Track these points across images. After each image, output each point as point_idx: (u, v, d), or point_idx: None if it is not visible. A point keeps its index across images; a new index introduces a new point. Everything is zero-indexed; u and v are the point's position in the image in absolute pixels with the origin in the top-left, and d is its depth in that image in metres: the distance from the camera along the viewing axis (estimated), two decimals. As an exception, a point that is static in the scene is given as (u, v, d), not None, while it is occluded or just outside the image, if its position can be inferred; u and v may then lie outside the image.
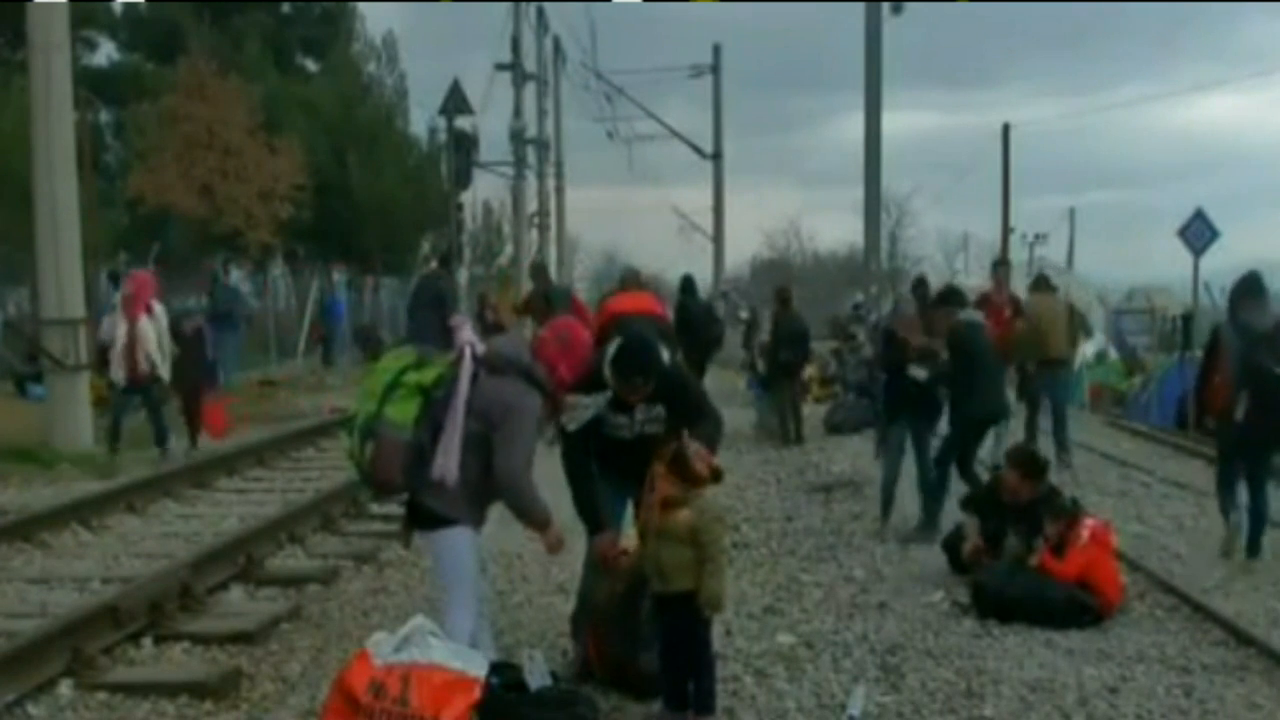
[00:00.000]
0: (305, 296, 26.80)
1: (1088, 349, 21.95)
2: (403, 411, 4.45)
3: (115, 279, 19.26)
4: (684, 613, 4.64)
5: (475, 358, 4.52)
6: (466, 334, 4.63)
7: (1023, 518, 6.90)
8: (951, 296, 9.22)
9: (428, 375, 4.53)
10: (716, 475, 4.80)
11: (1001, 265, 12.59)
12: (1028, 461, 7.20)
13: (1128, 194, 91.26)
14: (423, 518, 4.59)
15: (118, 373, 11.30)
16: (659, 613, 4.87)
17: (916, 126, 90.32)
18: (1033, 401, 11.67)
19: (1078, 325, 12.28)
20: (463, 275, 32.59)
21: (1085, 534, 6.53)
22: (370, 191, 31.87)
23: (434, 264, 15.17)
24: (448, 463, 4.37)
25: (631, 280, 9.78)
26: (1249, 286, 7.62)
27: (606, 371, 4.95)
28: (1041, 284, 12.38)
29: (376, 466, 4.51)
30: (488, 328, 12.60)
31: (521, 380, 4.50)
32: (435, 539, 4.64)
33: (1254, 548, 7.62)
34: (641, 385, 4.98)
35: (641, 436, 5.09)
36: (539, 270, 13.46)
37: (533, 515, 4.64)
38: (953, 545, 7.31)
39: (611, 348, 5.02)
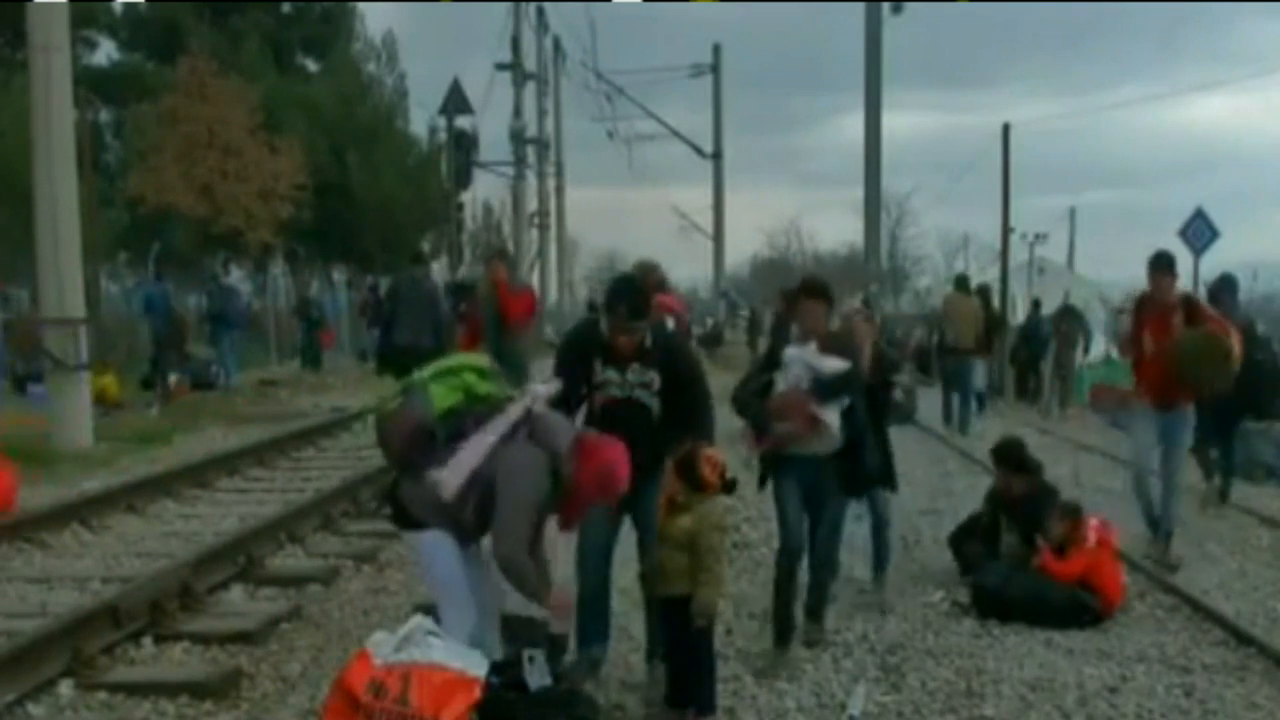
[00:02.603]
0: (305, 296, 26.64)
1: (1093, 351, 22.09)
2: (442, 396, 4.46)
3: (157, 275, 19.58)
4: (685, 615, 4.65)
5: (530, 412, 4.45)
6: (540, 388, 4.57)
7: (1019, 514, 6.91)
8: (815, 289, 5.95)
9: (482, 386, 4.52)
10: (729, 486, 4.79)
11: (1163, 258, 7.80)
12: (1004, 453, 7.25)
13: (1128, 194, 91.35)
14: (397, 510, 4.58)
15: None
16: (663, 613, 4.87)
17: (916, 126, 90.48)
18: (947, 388, 14.86)
19: (994, 321, 15.66)
20: (463, 275, 32.60)
21: (1092, 535, 6.54)
22: (370, 191, 31.90)
23: (422, 262, 14.91)
24: (451, 479, 4.31)
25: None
26: (1228, 284, 9.42)
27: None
28: (961, 284, 16.23)
29: (390, 420, 4.51)
30: (461, 317, 12.32)
31: (545, 459, 4.41)
32: (408, 539, 4.65)
33: (1224, 496, 9.69)
34: (625, 316, 4.93)
35: (631, 401, 4.97)
36: (498, 258, 11.80)
37: (526, 589, 4.46)
38: (959, 542, 7.31)
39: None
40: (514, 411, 4.42)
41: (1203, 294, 10.75)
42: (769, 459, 5.75)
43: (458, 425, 4.42)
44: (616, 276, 5.46)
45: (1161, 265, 7.74)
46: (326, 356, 24.67)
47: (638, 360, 5.02)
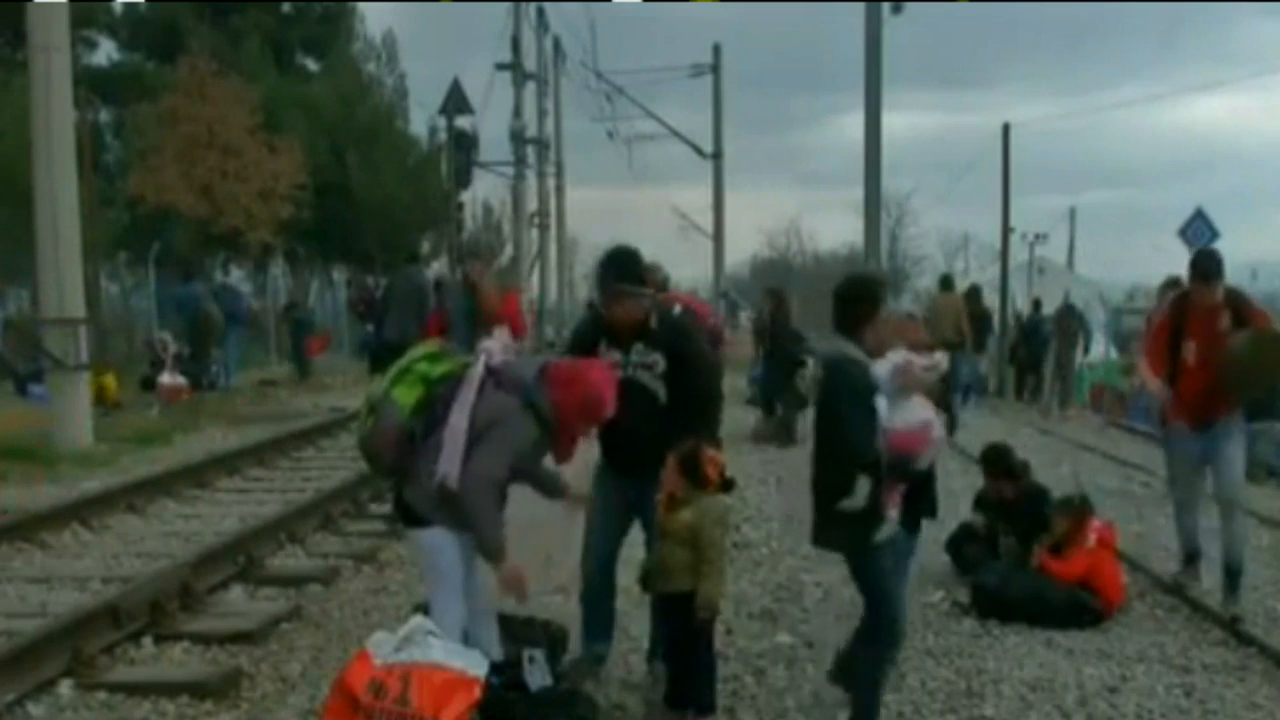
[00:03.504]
0: (292, 299, 26.31)
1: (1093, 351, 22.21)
2: (405, 396, 4.47)
3: (187, 276, 19.84)
4: (685, 612, 4.65)
5: (488, 367, 4.48)
6: (489, 343, 4.60)
7: (1014, 516, 6.94)
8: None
9: (437, 369, 4.52)
10: (728, 484, 4.79)
11: (1205, 259, 6.62)
12: (989, 460, 7.27)
13: (1128, 194, 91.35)
14: (403, 511, 4.61)
15: None
16: (663, 611, 4.87)
17: (916, 126, 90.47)
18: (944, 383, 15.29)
19: (976, 318, 16.14)
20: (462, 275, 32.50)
21: (1092, 536, 6.55)
22: (370, 191, 31.86)
23: (416, 261, 15.02)
24: (452, 471, 4.32)
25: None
26: (1176, 286, 9.62)
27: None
28: (945, 283, 17.20)
29: (372, 440, 4.54)
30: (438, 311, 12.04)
31: (521, 402, 4.43)
32: (412, 537, 4.67)
33: None
34: (614, 279, 4.93)
35: (633, 382, 4.89)
36: (474, 253, 10.00)
37: (481, 533, 4.38)
38: (956, 545, 7.31)
39: None
40: (474, 375, 4.44)
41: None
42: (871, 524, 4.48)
43: (432, 414, 4.44)
44: (608, 248, 5.39)
45: (1206, 270, 6.46)
46: (324, 357, 24.46)
47: (641, 340, 4.98)
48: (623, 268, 5.01)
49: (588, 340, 5.13)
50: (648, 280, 5.45)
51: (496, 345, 4.61)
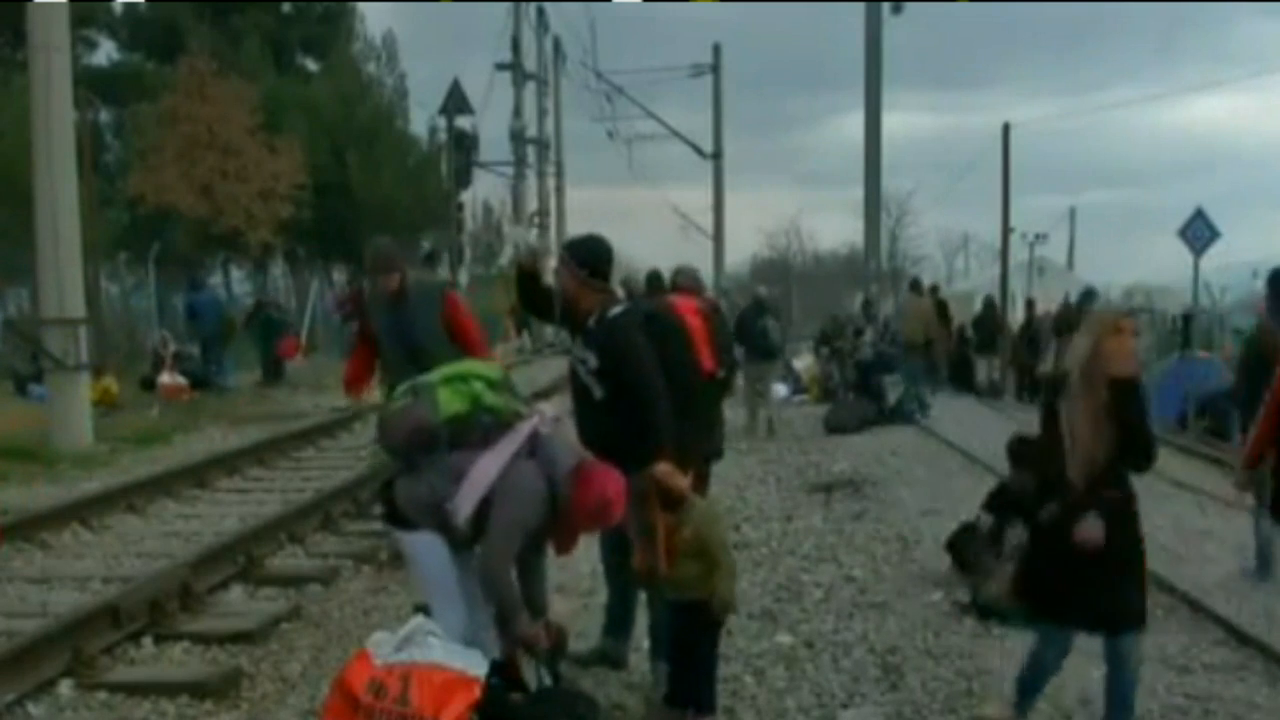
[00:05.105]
0: (261, 298, 25.84)
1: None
2: (447, 400, 4.41)
3: (195, 283, 20.13)
4: (695, 617, 4.67)
5: (535, 433, 4.38)
6: (549, 410, 4.50)
7: (1028, 509, 6.86)
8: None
9: (490, 398, 4.45)
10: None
11: None
12: (1022, 451, 7.19)
13: (1128, 194, 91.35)
14: (390, 509, 4.54)
15: None
16: (671, 616, 4.87)
17: (917, 126, 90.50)
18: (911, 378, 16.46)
19: (939, 319, 17.54)
20: (463, 275, 32.62)
21: None
22: (370, 191, 31.91)
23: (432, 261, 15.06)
24: (465, 506, 4.26)
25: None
26: (1089, 297, 13.09)
27: None
28: (914, 286, 18.81)
29: (395, 418, 4.48)
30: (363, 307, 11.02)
31: (545, 485, 4.34)
32: (397, 539, 4.64)
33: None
34: (564, 260, 4.97)
35: (575, 375, 4.98)
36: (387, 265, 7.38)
37: (507, 613, 4.38)
38: (956, 545, 7.29)
39: None
40: (522, 431, 4.36)
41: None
42: None
43: (463, 433, 4.38)
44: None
45: None
46: (302, 361, 23.79)
47: (582, 335, 4.97)
48: (572, 247, 5.09)
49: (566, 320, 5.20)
50: (677, 284, 5.49)
51: (552, 412, 4.52)
